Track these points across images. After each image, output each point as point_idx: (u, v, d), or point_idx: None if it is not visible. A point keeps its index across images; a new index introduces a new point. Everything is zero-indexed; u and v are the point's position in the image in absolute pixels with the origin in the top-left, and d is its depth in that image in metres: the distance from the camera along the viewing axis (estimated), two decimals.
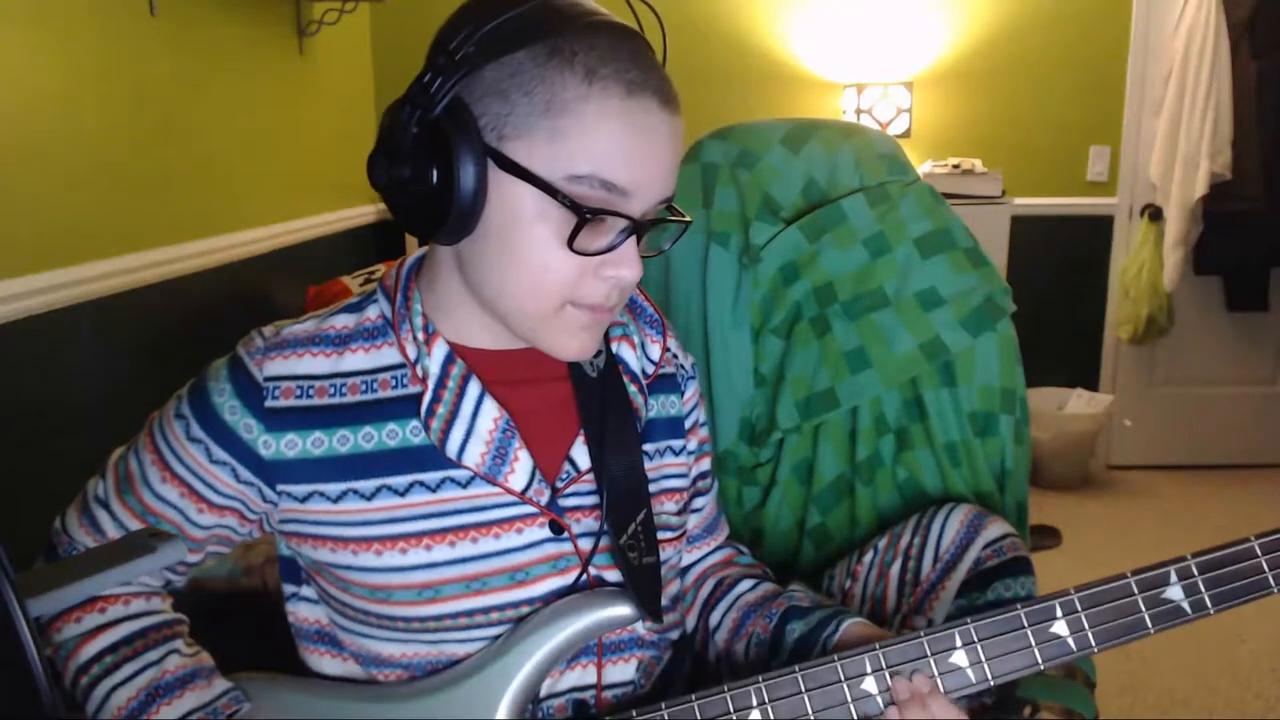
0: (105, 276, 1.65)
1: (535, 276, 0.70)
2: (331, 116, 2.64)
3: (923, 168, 2.96)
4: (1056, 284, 3.14)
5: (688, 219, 0.76)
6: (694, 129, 1.49)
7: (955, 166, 2.87)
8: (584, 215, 0.66)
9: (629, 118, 0.67)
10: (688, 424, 0.91)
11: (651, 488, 0.85)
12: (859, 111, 2.96)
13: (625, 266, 0.70)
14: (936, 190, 1.26)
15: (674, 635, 0.90)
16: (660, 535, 0.84)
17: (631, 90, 0.67)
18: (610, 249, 0.69)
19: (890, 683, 0.74)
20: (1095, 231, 3.14)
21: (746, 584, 0.94)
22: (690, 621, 0.96)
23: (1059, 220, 3.12)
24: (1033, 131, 3.06)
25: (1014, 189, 2.95)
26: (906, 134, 3.00)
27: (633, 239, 0.70)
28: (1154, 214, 3.01)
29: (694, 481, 0.93)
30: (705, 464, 0.96)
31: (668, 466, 0.88)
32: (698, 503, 0.95)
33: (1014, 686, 0.99)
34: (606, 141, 0.66)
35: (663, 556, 0.85)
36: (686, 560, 0.97)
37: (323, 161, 2.58)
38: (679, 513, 0.88)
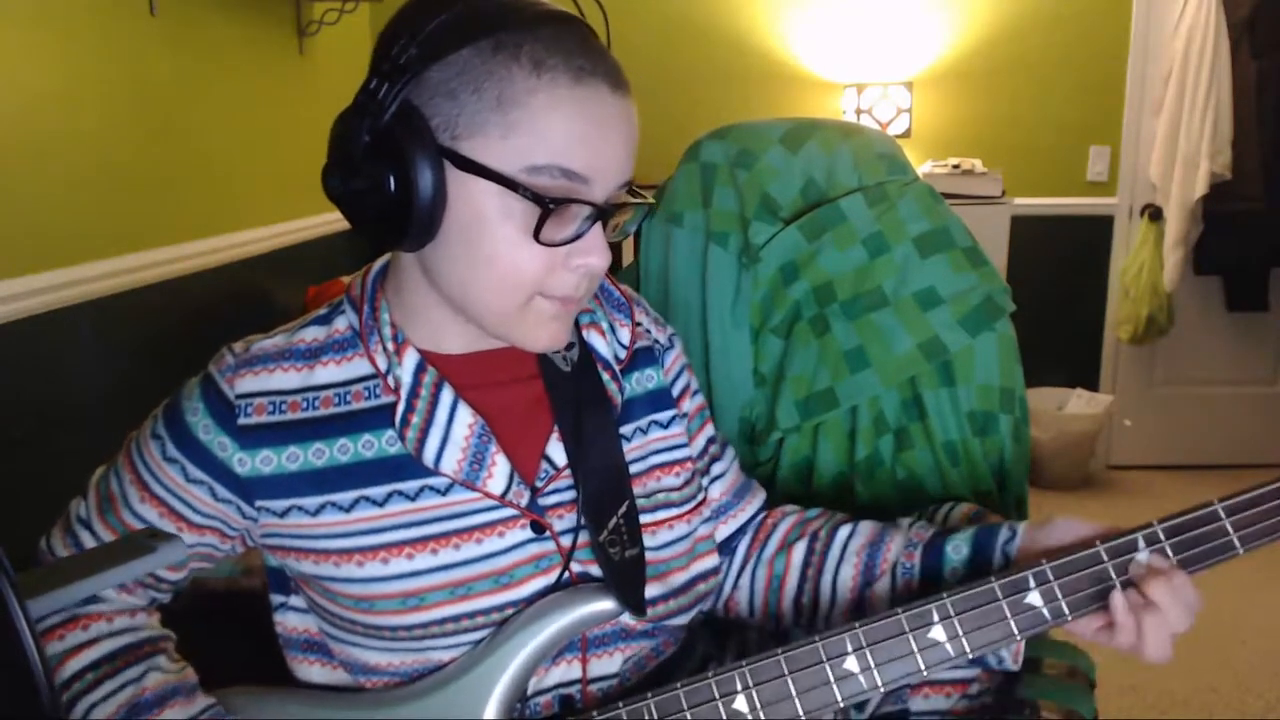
0: (105, 276, 1.65)
1: (504, 274, 0.69)
2: (331, 116, 2.63)
3: (923, 168, 2.97)
4: (1056, 284, 3.14)
5: (649, 200, 0.76)
6: (694, 129, 1.49)
7: (955, 166, 2.87)
8: (547, 205, 0.66)
9: (580, 104, 0.67)
10: (675, 391, 0.90)
11: (640, 466, 0.84)
12: (859, 111, 2.96)
13: (593, 254, 0.70)
14: (935, 190, 1.27)
15: (680, 620, 0.87)
16: (663, 514, 0.83)
17: (580, 77, 0.67)
18: (577, 237, 0.69)
19: (1121, 571, 0.74)
20: (1095, 231, 3.15)
21: (845, 530, 0.91)
22: (789, 590, 0.92)
23: (1059, 220, 3.12)
24: (1033, 131, 3.06)
25: (1014, 189, 2.95)
26: (906, 134, 3.00)
27: (598, 225, 0.70)
28: (1154, 214, 3.02)
29: (705, 448, 0.92)
30: (710, 429, 0.94)
31: (655, 441, 0.86)
32: (716, 469, 0.93)
33: (1014, 686, 0.99)
34: (561, 129, 0.66)
35: (673, 535, 0.84)
36: (730, 529, 0.94)
37: (323, 161, 2.58)
38: (684, 485, 0.87)
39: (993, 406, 1.18)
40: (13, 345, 1.45)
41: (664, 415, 0.88)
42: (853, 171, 1.28)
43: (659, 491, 0.85)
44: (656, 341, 0.91)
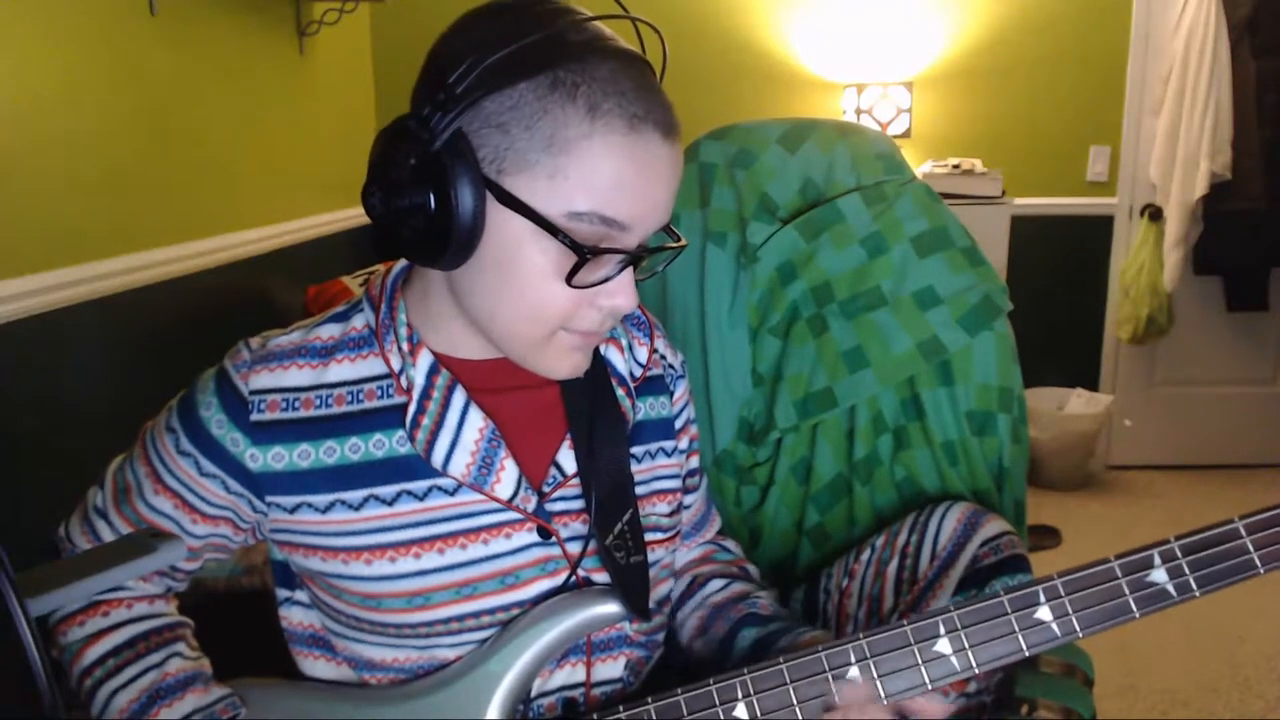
0: (106, 276, 1.66)
1: (531, 307, 0.70)
2: (331, 116, 2.64)
3: (923, 168, 2.96)
4: (1056, 284, 3.14)
5: (682, 243, 0.76)
6: (693, 129, 1.49)
7: (955, 166, 2.87)
8: (584, 255, 0.66)
9: (631, 153, 0.66)
10: (678, 424, 0.91)
11: (642, 489, 0.85)
12: (859, 111, 2.96)
13: (621, 296, 0.70)
14: (933, 189, 1.27)
15: (661, 636, 0.90)
16: (651, 536, 0.84)
17: (634, 125, 0.66)
18: (607, 280, 0.69)
19: (832, 685, 0.74)
20: (1095, 231, 3.14)
21: (716, 584, 0.94)
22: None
23: (1059, 220, 3.12)
24: (1033, 131, 3.06)
25: (1014, 189, 2.95)
26: (906, 134, 3.00)
27: (629, 269, 0.70)
28: (1154, 214, 3.01)
29: (684, 479, 0.94)
30: (694, 461, 0.96)
31: (659, 468, 0.88)
32: (687, 499, 0.95)
33: (1012, 685, 0.99)
34: (608, 178, 0.66)
35: (653, 557, 0.85)
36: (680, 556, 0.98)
37: (323, 161, 2.58)
38: (671, 514, 0.88)
39: (991, 406, 1.18)
40: (14, 345, 1.46)
41: (669, 444, 0.89)
42: (851, 171, 1.28)
43: (651, 515, 0.86)
44: (670, 368, 0.92)
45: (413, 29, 2.94)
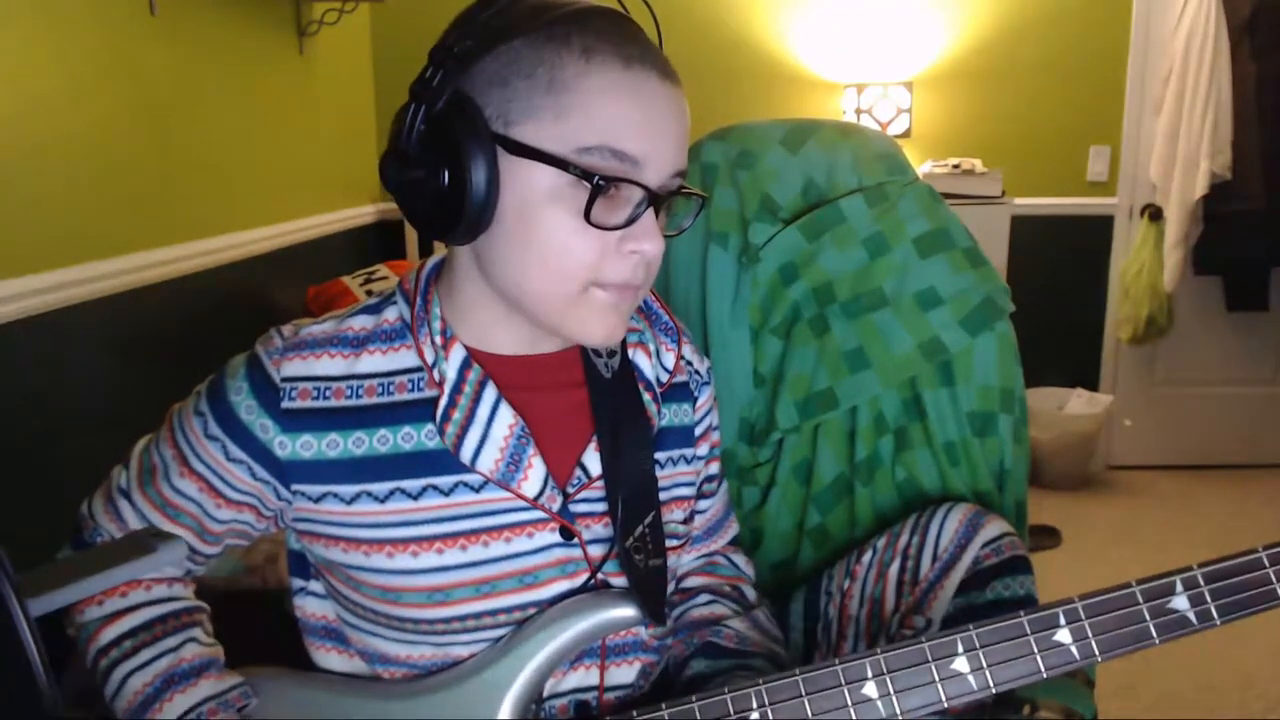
0: (106, 276, 1.66)
1: (556, 260, 0.69)
2: (331, 116, 2.64)
3: (923, 168, 2.96)
4: (1056, 284, 3.14)
5: (702, 193, 0.77)
6: (694, 129, 1.49)
7: (955, 166, 2.87)
8: (597, 183, 0.66)
9: (630, 88, 0.68)
10: (699, 430, 0.91)
11: (662, 495, 0.85)
12: (859, 111, 2.96)
13: (646, 240, 0.70)
14: (935, 190, 1.26)
15: (671, 641, 0.90)
16: (667, 543, 0.84)
17: (629, 63, 0.68)
18: (630, 222, 0.69)
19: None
20: (1095, 231, 3.15)
21: (702, 598, 0.93)
22: None
23: (1059, 220, 3.12)
24: (1033, 131, 3.06)
25: (1014, 189, 2.95)
26: (906, 134, 3.00)
27: (651, 211, 0.70)
28: (1154, 214, 3.01)
29: (700, 484, 0.93)
30: (714, 467, 0.96)
31: (678, 475, 0.87)
32: (702, 504, 0.95)
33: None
34: (611, 112, 0.67)
35: (669, 563, 0.85)
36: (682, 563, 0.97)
37: (323, 161, 2.58)
38: (685, 521, 0.88)
39: (992, 407, 1.18)
40: (13, 345, 1.45)
41: (689, 452, 0.89)
42: (852, 172, 1.28)
43: (669, 522, 0.86)
44: (696, 374, 0.92)
45: (413, 29, 2.94)
